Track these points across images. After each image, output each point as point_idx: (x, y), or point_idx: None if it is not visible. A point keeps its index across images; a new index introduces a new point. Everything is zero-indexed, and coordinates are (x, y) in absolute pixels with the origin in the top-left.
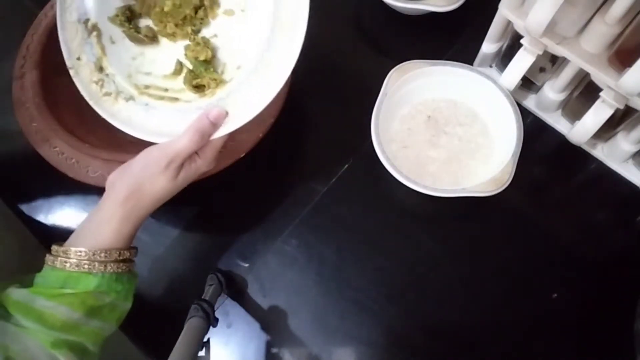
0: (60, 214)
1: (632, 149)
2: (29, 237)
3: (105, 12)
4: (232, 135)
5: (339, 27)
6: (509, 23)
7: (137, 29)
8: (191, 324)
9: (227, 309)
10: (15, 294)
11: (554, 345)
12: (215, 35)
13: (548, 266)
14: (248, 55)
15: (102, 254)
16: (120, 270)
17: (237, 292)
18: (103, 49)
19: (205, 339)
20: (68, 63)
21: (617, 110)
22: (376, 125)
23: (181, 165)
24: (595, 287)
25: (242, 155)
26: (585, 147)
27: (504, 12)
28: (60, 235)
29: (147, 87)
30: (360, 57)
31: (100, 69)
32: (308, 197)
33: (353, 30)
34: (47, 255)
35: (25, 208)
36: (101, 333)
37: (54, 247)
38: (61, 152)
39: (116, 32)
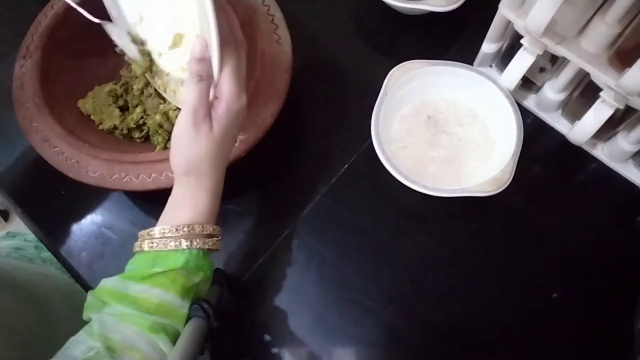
0: (61, 214)
1: (632, 149)
2: None
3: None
4: None
5: (339, 27)
6: (509, 23)
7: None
8: (191, 324)
9: (227, 309)
10: (108, 283)
11: (554, 345)
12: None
13: (548, 266)
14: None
15: (185, 229)
16: (206, 246)
17: (237, 292)
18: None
19: (205, 339)
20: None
21: (617, 110)
22: (376, 125)
23: (208, 116)
24: (595, 287)
25: (242, 155)
26: (585, 147)
27: (504, 12)
28: (61, 235)
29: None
30: (360, 57)
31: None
32: (308, 197)
33: (353, 30)
34: (135, 243)
35: (25, 208)
36: None
37: (140, 233)
38: (61, 152)
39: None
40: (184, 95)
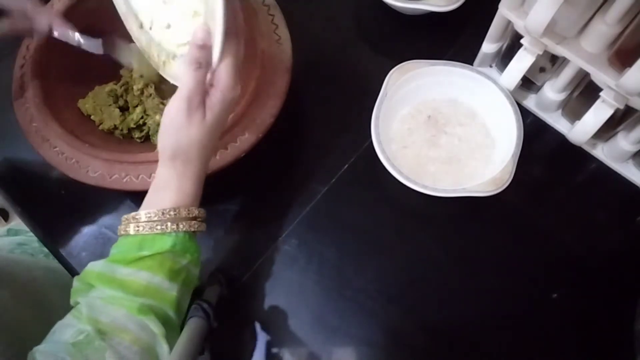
0: (61, 214)
1: (632, 149)
2: None
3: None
4: (232, 135)
5: (339, 27)
6: (509, 23)
7: None
8: (191, 324)
9: (227, 309)
10: (95, 266)
11: (554, 345)
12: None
13: (548, 266)
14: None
15: (172, 212)
16: (192, 229)
17: (237, 292)
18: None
19: (205, 339)
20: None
21: (617, 110)
22: (376, 125)
23: (202, 103)
24: (595, 287)
25: (242, 155)
26: (585, 147)
27: (504, 12)
28: (61, 235)
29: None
30: (360, 57)
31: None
32: (308, 197)
33: (353, 30)
34: (119, 227)
35: (25, 208)
36: (181, 300)
37: (124, 217)
38: (61, 152)
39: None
40: (174, 69)
